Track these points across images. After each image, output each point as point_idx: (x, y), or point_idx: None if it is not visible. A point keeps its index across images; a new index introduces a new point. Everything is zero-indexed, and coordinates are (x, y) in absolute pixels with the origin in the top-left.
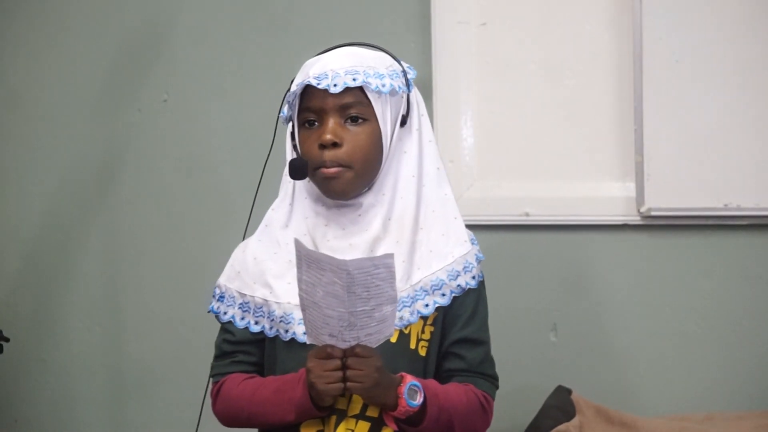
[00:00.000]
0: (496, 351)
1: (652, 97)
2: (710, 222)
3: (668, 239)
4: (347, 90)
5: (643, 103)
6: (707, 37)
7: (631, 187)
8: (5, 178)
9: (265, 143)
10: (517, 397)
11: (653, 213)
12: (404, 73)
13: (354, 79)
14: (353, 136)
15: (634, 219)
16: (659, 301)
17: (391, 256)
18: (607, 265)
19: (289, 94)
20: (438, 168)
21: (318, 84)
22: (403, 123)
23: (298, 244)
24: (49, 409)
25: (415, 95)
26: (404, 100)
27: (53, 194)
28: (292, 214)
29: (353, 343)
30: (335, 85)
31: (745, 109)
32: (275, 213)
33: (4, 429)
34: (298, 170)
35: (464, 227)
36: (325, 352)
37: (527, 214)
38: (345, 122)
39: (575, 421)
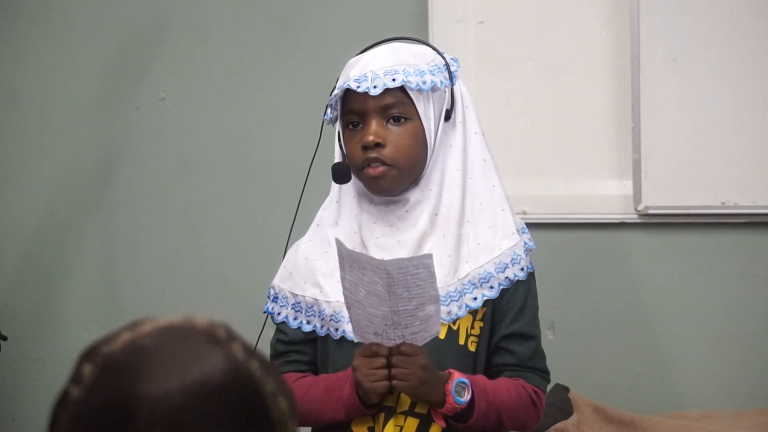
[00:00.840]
0: None
1: (649, 95)
2: (708, 220)
3: (666, 237)
4: (387, 90)
5: (641, 100)
6: (704, 35)
7: (628, 185)
8: (3, 176)
9: (263, 141)
10: None
11: (651, 211)
12: (447, 66)
13: (393, 80)
14: (396, 136)
15: (632, 217)
16: (657, 299)
17: (430, 256)
18: (604, 263)
19: (331, 97)
20: (485, 159)
21: (358, 87)
22: (448, 117)
23: (339, 244)
24: (46, 408)
25: (459, 87)
26: (448, 94)
27: (51, 192)
28: (341, 212)
29: (398, 341)
30: (375, 87)
31: (743, 106)
32: (325, 212)
33: (1, 427)
34: (340, 174)
35: (513, 218)
36: (371, 351)
37: (525, 212)
38: (387, 122)
39: (573, 419)
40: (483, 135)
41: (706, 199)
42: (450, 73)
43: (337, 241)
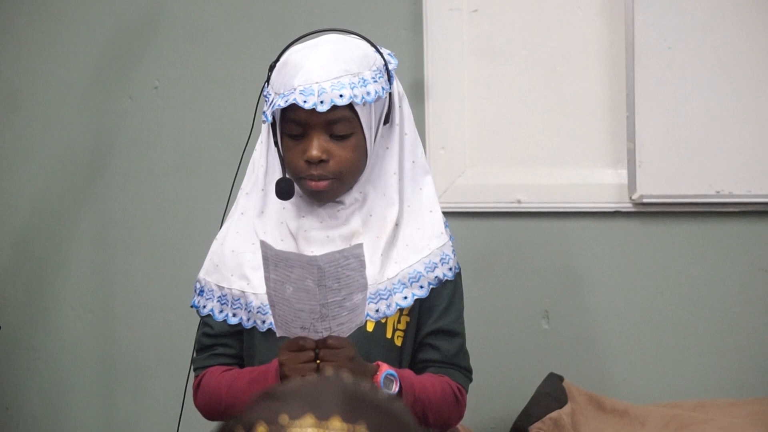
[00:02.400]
0: (488, 338)
1: (643, 84)
2: (702, 209)
3: (660, 226)
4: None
5: (635, 90)
6: (699, 24)
7: (622, 174)
8: None
9: (257, 130)
10: (508, 384)
11: (645, 200)
12: (386, 65)
13: (341, 96)
14: (340, 150)
15: (626, 206)
16: (651, 288)
17: (360, 246)
18: (599, 252)
19: (272, 103)
20: (413, 162)
21: (305, 102)
22: (387, 120)
23: (264, 246)
24: (40, 397)
25: (396, 87)
26: (387, 96)
27: (44, 181)
28: (266, 200)
29: (325, 334)
30: (321, 102)
31: (738, 96)
32: (250, 199)
33: None
34: (285, 193)
35: (441, 219)
36: (298, 345)
37: (519, 202)
38: (330, 136)
39: (567, 408)
40: (414, 133)
41: (701, 188)
42: (389, 73)
43: (262, 243)
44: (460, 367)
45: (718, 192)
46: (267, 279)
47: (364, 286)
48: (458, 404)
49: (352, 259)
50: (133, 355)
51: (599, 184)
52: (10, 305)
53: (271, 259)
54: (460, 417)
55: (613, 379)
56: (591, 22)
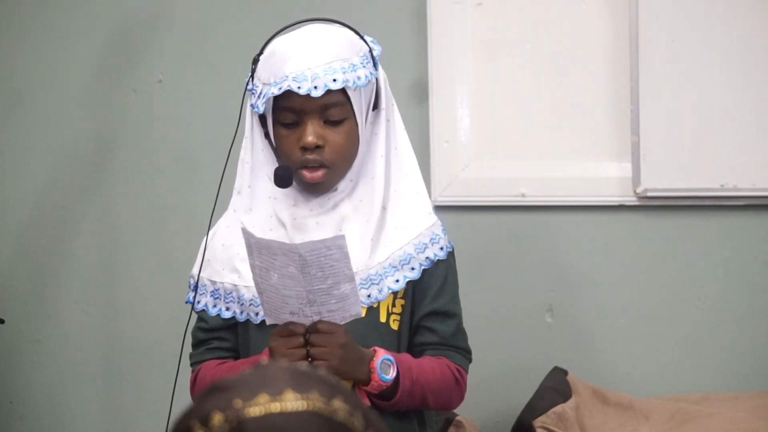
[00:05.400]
0: (492, 332)
1: (648, 77)
2: (707, 202)
3: (664, 220)
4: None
5: (639, 83)
6: (704, 17)
7: (627, 168)
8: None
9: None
10: (512, 378)
11: (649, 193)
12: (370, 51)
13: (334, 80)
14: (335, 136)
15: (630, 199)
16: (655, 281)
17: (342, 237)
18: (603, 246)
19: (261, 93)
20: (395, 148)
21: (299, 88)
22: (375, 106)
23: (246, 233)
24: (43, 390)
25: (381, 73)
26: (374, 82)
27: (47, 175)
28: (254, 196)
29: (315, 318)
30: (315, 87)
31: (742, 89)
32: (239, 198)
33: None
34: (285, 179)
35: (427, 200)
36: (288, 330)
37: (523, 195)
38: (325, 123)
39: (571, 402)
40: (396, 118)
41: (705, 181)
42: (374, 59)
43: (244, 231)
44: (458, 348)
45: (722, 185)
46: (252, 266)
47: (351, 278)
48: (458, 386)
49: (334, 250)
50: (136, 348)
51: (603, 178)
52: (14, 299)
53: (254, 246)
54: (461, 398)
55: (617, 372)
56: (595, 15)
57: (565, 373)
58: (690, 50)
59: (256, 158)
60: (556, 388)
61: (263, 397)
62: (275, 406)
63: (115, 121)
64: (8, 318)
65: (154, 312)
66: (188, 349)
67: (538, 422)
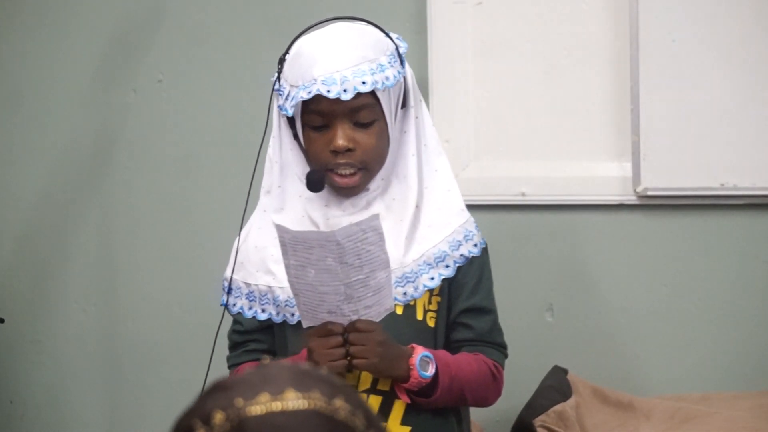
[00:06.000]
0: None
1: (648, 76)
2: (707, 202)
3: (664, 219)
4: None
5: (640, 82)
6: (704, 17)
7: (627, 167)
8: (0, 159)
9: (262, 125)
10: (513, 377)
11: (649, 193)
12: (396, 49)
13: (363, 83)
14: (365, 138)
15: (631, 199)
16: (656, 281)
17: (376, 216)
18: (603, 245)
19: (289, 96)
20: (425, 145)
21: (328, 92)
22: (404, 104)
23: (280, 229)
24: (44, 390)
25: (409, 70)
26: (402, 81)
27: (48, 175)
28: (284, 196)
29: (353, 317)
30: (345, 91)
31: (742, 88)
32: (269, 198)
33: None
34: (316, 183)
35: (459, 196)
36: (326, 330)
37: (523, 194)
38: (354, 124)
39: (571, 401)
40: (426, 115)
41: (706, 180)
42: (401, 57)
43: (278, 227)
44: (494, 344)
45: (722, 185)
46: (287, 267)
47: (386, 263)
48: (495, 381)
49: (370, 233)
50: (137, 348)
51: (604, 177)
52: (14, 298)
53: (289, 243)
54: (499, 393)
55: (617, 371)
56: (595, 14)
57: (566, 372)
58: (690, 50)
59: (285, 158)
60: (556, 387)
61: (264, 396)
62: (276, 405)
63: (115, 121)
64: (8, 318)
65: (154, 312)
66: (220, 350)
67: (538, 421)
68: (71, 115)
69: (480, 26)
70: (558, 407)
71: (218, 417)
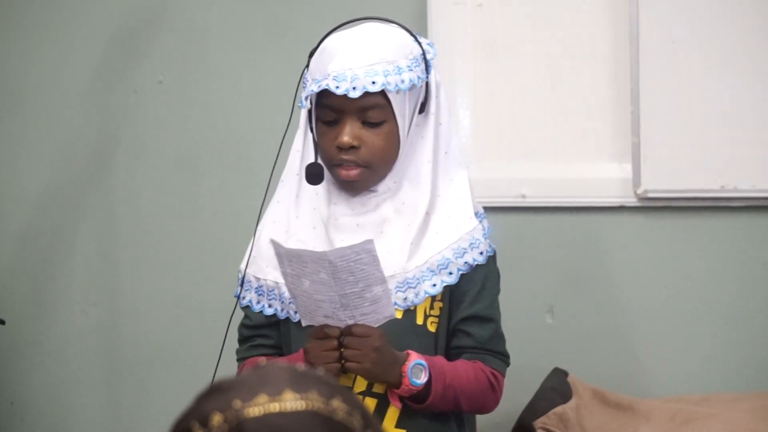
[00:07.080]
0: None
1: (648, 78)
2: (707, 203)
3: (665, 221)
4: (366, 92)
5: (640, 84)
6: (704, 18)
7: (627, 169)
8: (1, 159)
9: (262, 125)
10: (513, 379)
11: (650, 194)
12: (423, 55)
13: (373, 82)
14: (372, 138)
15: (631, 201)
16: (656, 282)
17: (370, 241)
18: (603, 247)
19: (307, 89)
20: (446, 152)
21: (337, 88)
22: (422, 109)
23: (275, 244)
24: (45, 391)
25: (434, 77)
26: (423, 86)
27: (49, 175)
28: (301, 185)
29: (350, 321)
30: (354, 89)
31: (743, 90)
32: (284, 186)
33: None
34: (315, 176)
35: (470, 205)
36: (323, 332)
37: (523, 196)
38: (363, 122)
39: (572, 403)
40: (449, 123)
41: (706, 182)
42: (426, 62)
43: (272, 242)
44: (494, 352)
45: (723, 186)
46: (284, 274)
47: (382, 280)
48: (493, 390)
49: (363, 254)
50: (137, 349)
51: (604, 179)
52: (14, 299)
53: (284, 255)
54: (497, 402)
55: (617, 373)
56: (595, 16)
57: (566, 373)
58: (690, 50)
59: (307, 148)
60: (556, 388)
61: (262, 398)
62: (274, 407)
63: (115, 122)
64: (8, 319)
65: (155, 313)
66: (230, 342)
67: (538, 423)
68: (72, 116)
69: (480, 27)
70: (558, 409)
71: (216, 419)
